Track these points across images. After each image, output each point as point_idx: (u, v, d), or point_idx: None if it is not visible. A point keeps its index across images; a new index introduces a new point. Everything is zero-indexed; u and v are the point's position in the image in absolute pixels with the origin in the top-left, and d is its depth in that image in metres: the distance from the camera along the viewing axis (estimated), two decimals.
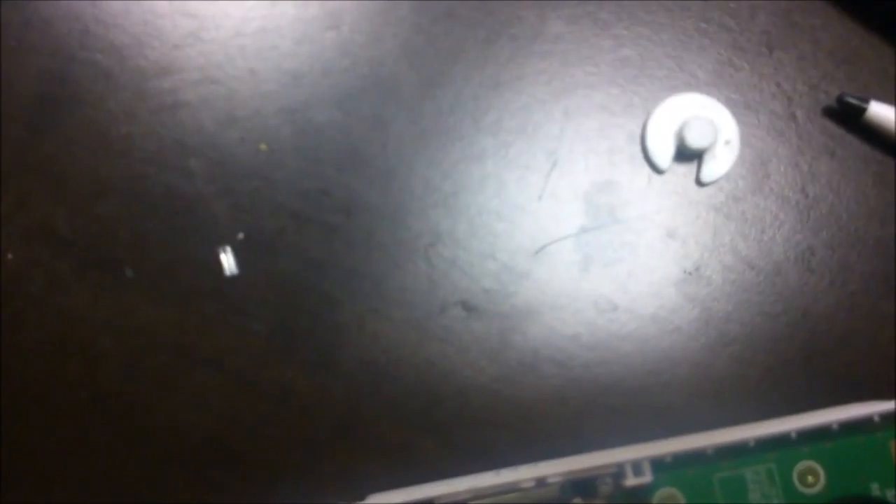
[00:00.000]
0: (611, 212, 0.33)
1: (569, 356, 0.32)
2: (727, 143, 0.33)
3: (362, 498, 0.28)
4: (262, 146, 0.33)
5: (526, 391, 0.32)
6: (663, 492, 0.27)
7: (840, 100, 0.33)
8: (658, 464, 0.27)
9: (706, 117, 0.33)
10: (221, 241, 0.32)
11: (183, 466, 0.31)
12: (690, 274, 0.33)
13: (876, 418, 0.27)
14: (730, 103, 0.34)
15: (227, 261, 0.32)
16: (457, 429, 0.31)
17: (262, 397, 0.31)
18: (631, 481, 0.27)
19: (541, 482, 0.27)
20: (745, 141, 0.33)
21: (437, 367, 0.32)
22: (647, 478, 0.27)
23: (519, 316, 0.32)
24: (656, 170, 0.33)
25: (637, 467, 0.27)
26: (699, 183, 0.33)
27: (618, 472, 0.27)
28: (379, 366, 0.31)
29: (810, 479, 0.27)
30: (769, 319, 0.32)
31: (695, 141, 0.32)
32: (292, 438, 0.31)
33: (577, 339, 0.32)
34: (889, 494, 0.27)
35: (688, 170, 0.33)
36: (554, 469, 0.27)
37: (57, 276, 0.32)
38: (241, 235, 0.32)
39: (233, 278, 0.32)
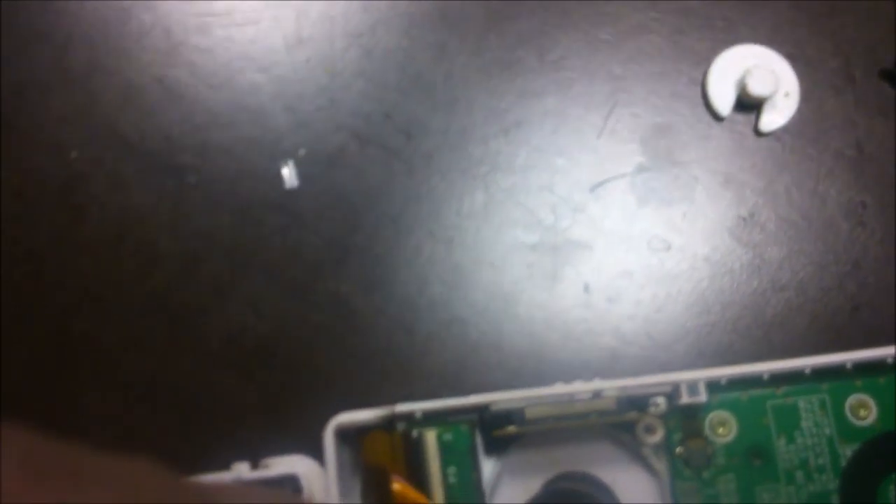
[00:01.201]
0: (669, 154, 0.33)
1: (619, 292, 0.32)
2: (787, 94, 0.33)
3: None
4: (328, 68, 0.33)
5: (577, 325, 0.32)
6: (716, 415, 0.27)
7: None
8: (713, 386, 0.27)
9: (768, 67, 0.33)
10: (283, 156, 0.32)
11: (235, 370, 0.31)
12: (745, 220, 0.33)
13: None
14: (790, 58, 0.34)
15: (288, 174, 0.32)
16: (509, 354, 0.31)
17: (316, 309, 0.31)
18: (685, 400, 0.27)
19: (596, 394, 0.27)
20: (803, 95, 0.34)
21: (489, 293, 0.32)
22: (701, 397, 0.27)
23: (572, 250, 0.32)
24: (716, 117, 0.33)
25: (692, 387, 0.27)
26: (757, 132, 0.33)
27: (672, 391, 0.27)
28: (433, 290, 0.32)
29: (862, 412, 0.28)
30: (819, 269, 0.33)
31: (756, 89, 0.32)
32: (344, 351, 0.31)
33: (629, 276, 0.32)
34: None
35: (747, 119, 0.34)
36: (609, 385, 0.27)
37: (120, 178, 0.32)
38: (302, 151, 0.32)
39: (292, 192, 0.32)
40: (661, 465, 0.28)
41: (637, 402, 0.27)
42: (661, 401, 0.27)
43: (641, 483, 0.28)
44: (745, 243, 0.33)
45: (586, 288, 0.32)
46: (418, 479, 0.27)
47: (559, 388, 0.27)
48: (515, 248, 0.32)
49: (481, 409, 0.27)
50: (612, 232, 0.33)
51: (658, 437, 0.27)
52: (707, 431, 0.27)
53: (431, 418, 0.27)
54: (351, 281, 0.32)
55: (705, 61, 0.34)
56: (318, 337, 0.31)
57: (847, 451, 0.27)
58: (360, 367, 0.31)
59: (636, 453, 0.28)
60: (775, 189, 0.33)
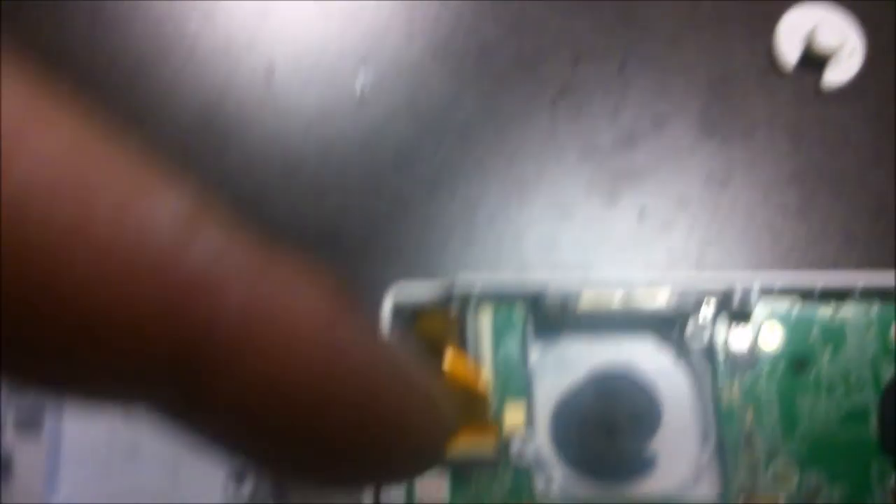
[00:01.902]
0: (733, 100, 0.34)
1: (673, 221, 0.33)
2: (851, 53, 0.34)
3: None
4: None
5: (629, 245, 0.33)
6: (765, 322, 0.28)
7: None
8: (765, 292, 0.28)
9: (835, 23, 0.34)
10: (360, 63, 0.34)
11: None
12: (801, 169, 0.34)
13: None
14: (856, 17, 0.35)
15: (360, 83, 0.33)
16: (562, 264, 0.32)
17: (381, 200, 0.32)
18: (737, 302, 0.27)
19: (651, 285, 0.28)
20: (868, 55, 0.35)
21: (547, 205, 0.33)
22: (753, 301, 0.27)
23: (630, 175, 0.33)
24: (782, 70, 0.35)
25: (745, 290, 0.28)
26: (820, 89, 0.34)
27: (725, 292, 0.28)
28: (492, 200, 0.33)
29: None
30: (873, 219, 0.33)
31: (823, 42, 0.34)
32: (407, 241, 0.32)
33: (684, 207, 0.33)
34: None
35: (812, 75, 0.35)
36: (664, 278, 0.28)
37: None
38: (375, 60, 0.34)
39: (364, 97, 0.33)
40: (704, 367, 0.28)
41: (689, 301, 0.28)
42: (712, 301, 0.28)
43: (683, 384, 0.28)
44: (799, 191, 0.34)
45: (641, 212, 0.33)
46: (469, 357, 0.28)
47: (616, 277, 0.28)
48: (576, 168, 0.33)
49: (537, 292, 0.28)
50: (674, 161, 0.34)
51: (706, 337, 0.28)
52: (754, 337, 0.28)
53: (488, 296, 0.28)
54: (414, 182, 0.33)
55: (776, 14, 0.35)
56: (379, 223, 0.32)
57: (889, 373, 0.28)
58: (417, 250, 0.32)
59: (681, 353, 0.28)
60: (833, 143, 0.34)
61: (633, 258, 0.32)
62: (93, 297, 0.12)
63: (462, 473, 0.27)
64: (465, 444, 0.26)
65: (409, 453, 0.17)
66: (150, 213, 0.12)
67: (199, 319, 0.13)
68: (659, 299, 0.28)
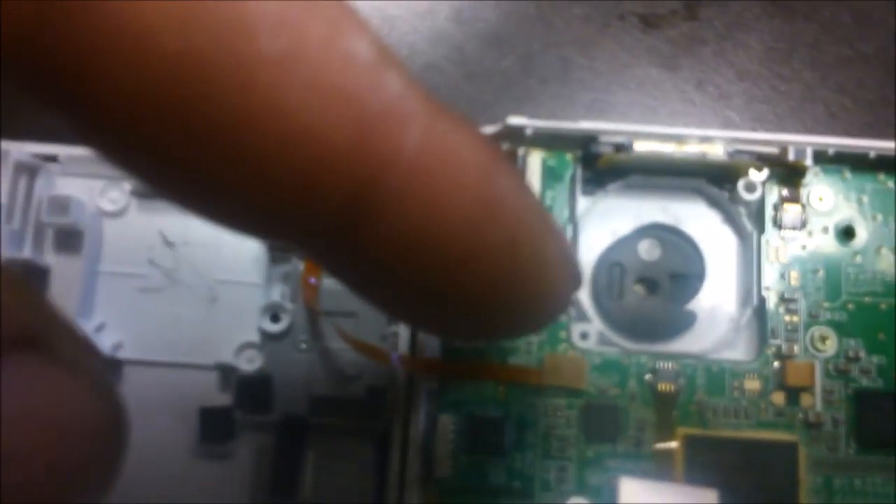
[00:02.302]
0: None
1: (731, 90, 0.33)
2: None
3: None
4: None
5: (686, 111, 0.32)
6: (815, 187, 0.28)
7: None
8: (819, 155, 0.28)
9: None
10: None
11: None
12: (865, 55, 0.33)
13: None
14: None
15: None
16: (620, 119, 0.32)
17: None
18: (791, 159, 0.27)
19: (705, 140, 0.27)
20: None
21: (605, 65, 0.32)
22: (806, 161, 0.27)
23: (694, 44, 0.33)
24: None
25: (800, 151, 0.27)
26: None
27: (780, 153, 0.28)
28: (551, 62, 0.32)
29: None
30: None
31: None
32: (464, 93, 0.32)
33: (743, 80, 0.33)
34: None
35: None
36: (719, 133, 0.27)
37: None
38: None
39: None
40: (751, 229, 0.28)
41: (742, 158, 0.28)
42: (765, 166, 0.28)
43: (729, 245, 0.28)
44: (857, 73, 0.33)
45: (700, 82, 0.33)
46: None
47: (669, 129, 0.28)
48: (637, 34, 0.33)
49: (588, 137, 0.28)
50: (734, 35, 0.33)
51: (757, 195, 0.28)
52: (803, 202, 0.28)
53: (539, 141, 0.28)
54: (474, 35, 0.32)
55: None
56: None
57: None
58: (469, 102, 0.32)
59: (729, 214, 0.28)
60: None
61: (687, 126, 0.32)
62: (299, 120, 0.13)
63: None
64: None
65: (545, 305, 0.18)
66: (352, 49, 0.13)
67: (383, 152, 0.14)
68: (712, 154, 0.27)
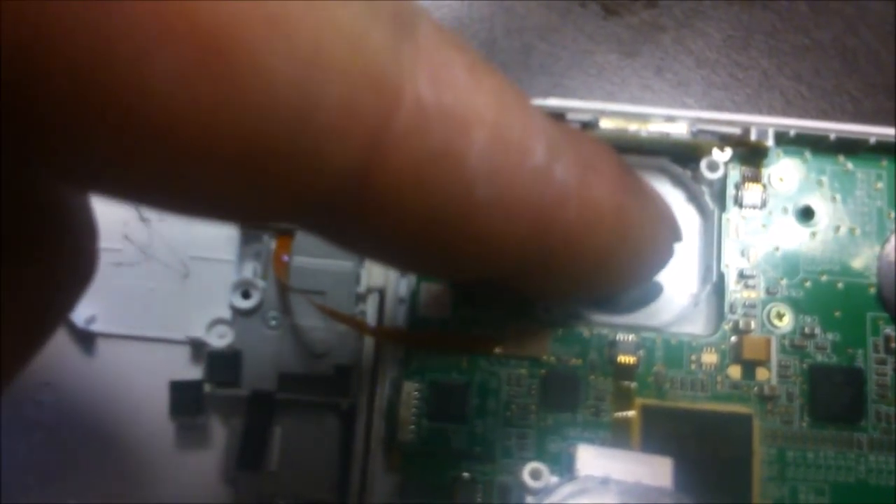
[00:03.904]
0: None
1: (690, 77, 0.33)
2: None
3: None
4: None
5: (644, 96, 0.33)
6: (776, 167, 0.29)
7: None
8: (780, 136, 0.28)
9: None
10: None
11: None
12: (821, 43, 0.34)
13: None
14: None
15: None
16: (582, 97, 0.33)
17: None
18: (753, 140, 0.28)
19: (670, 119, 0.28)
20: None
21: (568, 51, 0.33)
22: (768, 142, 0.28)
23: (654, 31, 0.34)
24: None
25: (762, 132, 0.28)
26: None
27: (742, 133, 0.28)
28: (514, 46, 0.33)
29: None
30: None
31: None
32: None
33: (701, 67, 0.33)
34: None
35: None
36: (683, 113, 0.28)
37: None
38: None
39: None
40: (713, 207, 0.29)
41: (705, 138, 0.28)
42: (728, 146, 0.28)
43: (691, 222, 0.29)
44: (813, 62, 0.34)
45: (659, 69, 0.33)
46: None
47: (635, 108, 0.28)
48: (598, 21, 0.33)
49: (556, 118, 0.28)
50: (693, 23, 0.34)
51: (719, 174, 0.28)
52: (765, 180, 0.28)
53: None
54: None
55: None
56: None
57: (893, 225, 0.28)
58: None
59: (692, 193, 0.29)
60: (852, 18, 0.34)
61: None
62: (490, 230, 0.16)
63: (465, 290, 0.28)
64: None
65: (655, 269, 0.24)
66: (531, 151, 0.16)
67: (552, 232, 0.17)
68: (676, 132, 0.28)
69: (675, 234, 0.23)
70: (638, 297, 0.28)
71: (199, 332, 0.30)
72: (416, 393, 0.26)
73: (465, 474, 0.25)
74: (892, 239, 0.28)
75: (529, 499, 0.22)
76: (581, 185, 0.17)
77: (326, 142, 0.13)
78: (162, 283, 0.31)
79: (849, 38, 0.33)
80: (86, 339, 0.31)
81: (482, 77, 0.15)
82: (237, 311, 0.30)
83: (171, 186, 0.12)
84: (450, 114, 0.14)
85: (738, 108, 0.32)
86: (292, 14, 0.12)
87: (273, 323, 0.30)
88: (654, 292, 0.28)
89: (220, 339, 0.30)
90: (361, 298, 0.29)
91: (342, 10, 0.12)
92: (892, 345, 0.27)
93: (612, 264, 0.20)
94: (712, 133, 0.28)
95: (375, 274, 0.29)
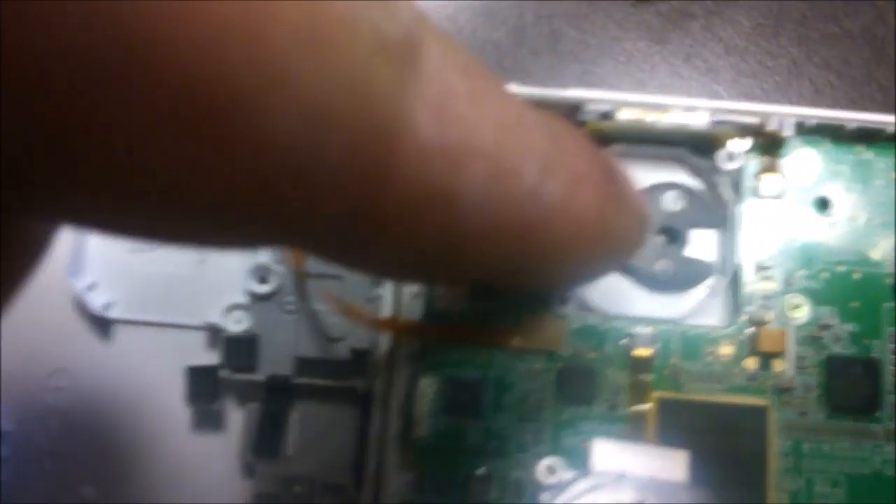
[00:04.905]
0: None
1: (719, 64, 0.33)
2: None
3: None
4: None
5: (674, 85, 0.33)
6: (795, 155, 0.28)
7: None
8: (801, 126, 0.28)
9: None
10: None
11: None
12: (852, 33, 0.34)
13: None
14: None
15: None
16: (608, 87, 0.32)
17: None
18: (771, 130, 0.28)
19: (689, 109, 0.28)
20: None
21: (597, 40, 0.33)
22: (787, 132, 0.28)
23: (683, 18, 0.33)
24: None
25: (781, 121, 0.28)
26: None
27: (761, 124, 0.28)
28: (541, 34, 0.33)
29: None
30: None
31: None
32: None
33: (731, 54, 0.33)
34: None
35: None
36: (702, 103, 0.28)
37: None
38: None
39: None
40: (731, 197, 0.28)
41: (724, 128, 0.28)
42: (747, 134, 0.28)
43: (709, 211, 0.29)
44: (842, 52, 0.33)
45: (688, 56, 0.33)
46: None
47: (654, 98, 0.28)
48: (628, 7, 0.33)
49: (574, 108, 0.28)
50: (723, 10, 0.33)
51: (737, 164, 0.28)
52: (783, 170, 0.28)
53: None
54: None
55: None
56: None
57: None
58: None
59: (711, 185, 0.29)
60: (885, 8, 0.34)
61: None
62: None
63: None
64: None
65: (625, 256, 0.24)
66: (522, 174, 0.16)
67: (539, 239, 0.17)
68: (695, 122, 0.28)
69: (647, 224, 0.24)
70: (688, 277, 0.28)
71: (215, 317, 0.30)
72: (431, 389, 0.26)
73: (481, 470, 0.25)
74: None
75: (544, 495, 0.22)
76: (567, 199, 0.17)
77: (323, 189, 0.12)
78: (178, 269, 0.31)
79: (878, 27, 0.33)
80: (102, 325, 0.31)
81: (484, 104, 0.15)
82: (254, 296, 0.30)
83: (166, 228, 0.13)
84: (450, 151, 0.14)
85: (767, 96, 0.32)
86: (303, 72, 0.11)
87: (289, 307, 0.30)
88: (704, 272, 0.28)
89: (236, 325, 0.30)
90: (377, 282, 0.30)
91: (352, 53, 0.12)
92: None
93: (590, 264, 0.21)
94: (731, 123, 0.28)
95: None
